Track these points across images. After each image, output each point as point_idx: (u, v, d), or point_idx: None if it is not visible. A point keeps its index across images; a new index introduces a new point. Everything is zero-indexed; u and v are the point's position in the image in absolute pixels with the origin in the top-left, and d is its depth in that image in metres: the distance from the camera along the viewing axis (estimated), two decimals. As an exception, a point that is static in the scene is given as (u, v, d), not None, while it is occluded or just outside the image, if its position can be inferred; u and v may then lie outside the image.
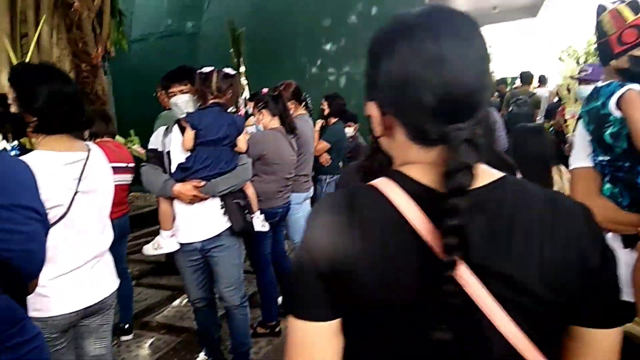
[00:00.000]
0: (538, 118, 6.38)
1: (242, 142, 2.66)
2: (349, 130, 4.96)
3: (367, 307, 0.71)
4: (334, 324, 0.74)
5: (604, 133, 1.66)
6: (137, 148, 4.16)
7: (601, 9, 1.78)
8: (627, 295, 1.53)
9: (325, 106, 4.63)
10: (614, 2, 1.74)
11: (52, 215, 1.66)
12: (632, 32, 1.67)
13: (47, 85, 1.68)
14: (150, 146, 2.69)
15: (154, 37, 8.72)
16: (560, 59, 39.67)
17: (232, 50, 6.43)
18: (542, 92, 7.10)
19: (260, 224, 2.89)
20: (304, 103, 3.99)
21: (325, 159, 4.42)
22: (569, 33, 43.10)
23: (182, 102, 2.71)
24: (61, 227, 1.70)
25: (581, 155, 1.81)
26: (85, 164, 1.79)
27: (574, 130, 4.20)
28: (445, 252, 0.65)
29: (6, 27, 3.72)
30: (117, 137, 4.56)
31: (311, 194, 3.87)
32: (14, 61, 3.52)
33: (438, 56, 0.67)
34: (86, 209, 1.79)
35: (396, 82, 0.70)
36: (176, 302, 3.97)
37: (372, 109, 0.77)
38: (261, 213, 2.95)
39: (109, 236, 1.97)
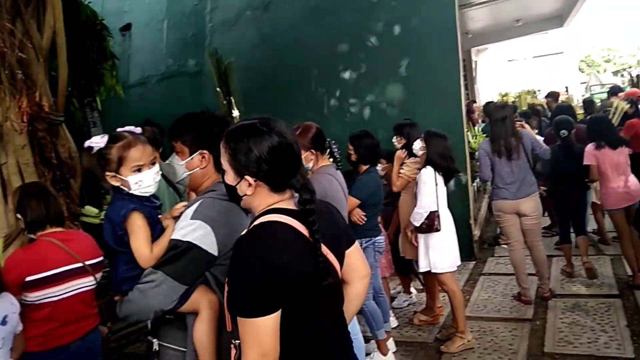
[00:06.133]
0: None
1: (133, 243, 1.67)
2: (379, 169, 3.99)
3: (299, 282, 1.32)
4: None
5: None
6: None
7: None
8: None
9: (351, 150, 3.65)
10: None
11: None
12: None
13: None
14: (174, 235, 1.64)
15: (155, 79, 7.96)
16: (580, 69, 38.40)
17: (219, 88, 5.39)
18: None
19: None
20: (328, 150, 3.04)
21: (359, 216, 3.43)
22: (589, 42, 41.75)
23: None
24: None
25: None
26: None
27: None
28: (313, 237, 1.35)
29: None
30: (87, 208, 3.66)
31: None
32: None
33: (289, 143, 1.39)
34: None
35: (268, 162, 1.35)
36: None
37: (249, 179, 1.37)
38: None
39: None
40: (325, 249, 1.38)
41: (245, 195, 1.39)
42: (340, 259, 1.49)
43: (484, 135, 5.10)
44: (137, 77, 8.09)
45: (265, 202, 1.38)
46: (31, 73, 2.87)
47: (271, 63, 6.56)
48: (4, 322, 1.86)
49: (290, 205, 1.40)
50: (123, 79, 7.04)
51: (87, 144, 1.72)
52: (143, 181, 1.68)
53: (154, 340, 1.72)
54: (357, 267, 1.59)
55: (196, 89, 7.38)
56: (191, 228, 1.58)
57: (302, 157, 2.65)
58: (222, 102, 5.29)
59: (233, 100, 5.33)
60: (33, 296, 2.13)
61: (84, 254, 2.25)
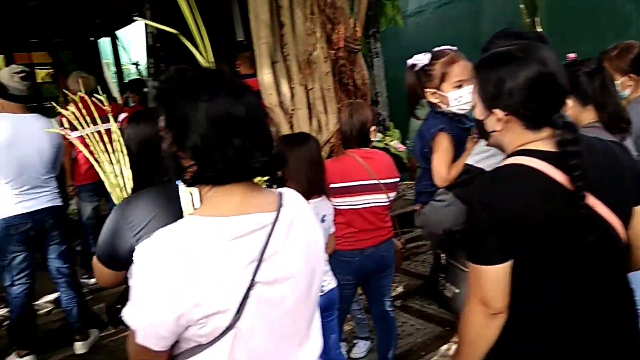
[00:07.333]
0: None
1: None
2: None
3: (538, 236, 1.16)
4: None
5: None
6: (395, 144, 3.44)
7: None
8: None
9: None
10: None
11: (206, 331, 0.97)
12: None
13: (206, 105, 0.98)
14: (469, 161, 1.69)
15: (432, 7, 7.87)
16: None
17: (522, 5, 4.96)
18: None
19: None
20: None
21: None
22: None
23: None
24: (224, 349, 1.00)
25: None
26: (270, 232, 1.04)
27: None
28: (574, 185, 1.12)
29: (266, 18, 3.40)
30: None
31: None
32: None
33: (550, 72, 1.17)
34: (271, 313, 1.05)
35: (523, 94, 1.16)
36: (444, 347, 3.09)
37: (498, 113, 1.19)
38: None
39: (313, 347, 1.19)
40: (595, 202, 1.15)
41: (495, 131, 1.23)
42: (625, 216, 1.22)
43: None
44: (414, 6, 8.12)
45: (517, 140, 1.21)
46: (338, 4, 3.15)
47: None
48: (323, 220, 2.19)
49: (548, 146, 1.18)
50: (402, 9, 7.17)
51: (410, 61, 1.79)
52: (463, 97, 1.68)
53: (442, 255, 1.79)
54: None
55: (473, 14, 7.01)
56: (485, 155, 1.53)
57: (619, 82, 2.28)
58: (525, 21, 4.86)
59: (538, 20, 4.83)
60: (336, 201, 2.43)
61: (380, 173, 2.43)
